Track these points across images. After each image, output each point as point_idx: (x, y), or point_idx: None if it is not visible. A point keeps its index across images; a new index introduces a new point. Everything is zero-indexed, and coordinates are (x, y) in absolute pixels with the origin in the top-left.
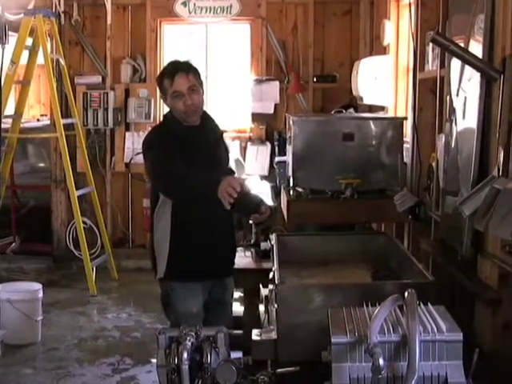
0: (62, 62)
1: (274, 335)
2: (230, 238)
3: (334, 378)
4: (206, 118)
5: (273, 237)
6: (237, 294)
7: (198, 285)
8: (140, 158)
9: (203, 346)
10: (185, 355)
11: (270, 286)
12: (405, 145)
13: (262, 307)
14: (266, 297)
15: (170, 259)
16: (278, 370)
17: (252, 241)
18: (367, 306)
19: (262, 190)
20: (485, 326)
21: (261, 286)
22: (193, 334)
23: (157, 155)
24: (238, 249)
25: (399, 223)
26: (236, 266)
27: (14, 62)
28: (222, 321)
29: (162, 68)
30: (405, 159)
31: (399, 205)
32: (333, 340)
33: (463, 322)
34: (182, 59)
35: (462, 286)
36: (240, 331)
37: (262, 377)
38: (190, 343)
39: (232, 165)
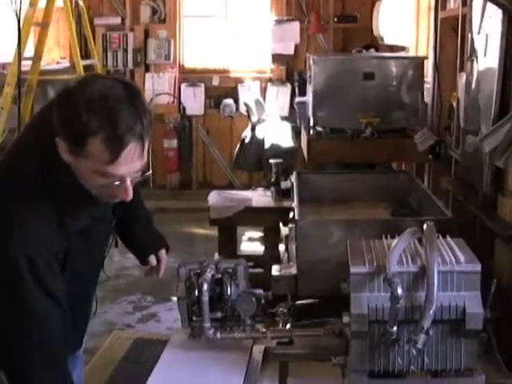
0: (80, 3)
1: (293, 270)
2: None
3: (353, 308)
4: None
5: (293, 175)
6: (257, 234)
7: None
8: (160, 99)
9: (223, 279)
10: (205, 287)
11: (290, 225)
12: (425, 84)
13: (281, 246)
14: (286, 236)
15: None
16: (297, 302)
17: (272, 180)
18: (386, 238)
19: (282, 131)
20: (504, 264)
21: (281, 224)
22: (213, 266)
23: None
24: (259, 188)
25: (419, 163)
26: (256, 205)
27: (33, 4)
28: None
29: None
30: (425, 98)
31: (419, 144)
32: (352, 270)
33: (483, 259)
34: (120, 90)
35: (482, 224)
36: (260, 269)
37: (281, 309)
38: (210, 275)
39: (252, 105)
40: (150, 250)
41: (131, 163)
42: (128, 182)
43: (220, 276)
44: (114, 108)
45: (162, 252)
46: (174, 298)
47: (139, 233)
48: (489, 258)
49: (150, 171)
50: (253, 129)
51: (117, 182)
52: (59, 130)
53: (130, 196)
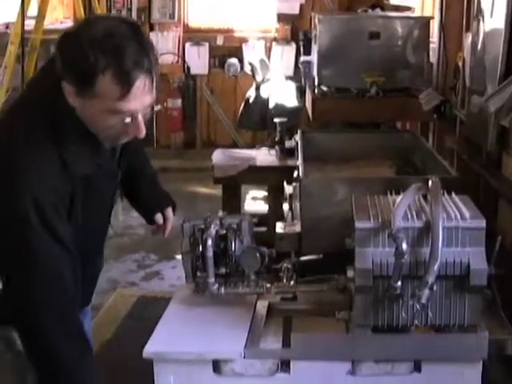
0: None
1: (297, 228)
2: None
3: (358, 263)
4: None
5: (297, 134)
6: (261, 193)
7: None
8: (164, 58)
9: (227, 234)
10: (209, 242)
11: (294, 183)
12: (431, 44)
13: (285, 205)
14: (290, 195)
15: None
16: (302, 258)
17: (276, 139)
18: (391, 194)
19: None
20: (508, 223)
21: (285, 183)
22: (217, 222)
23: (36, 252)
24: (263, 147)
25: (424, 122)
26: (260, 164)
27: None
28: None
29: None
30: (431, 58)
31: (424, 103)
32: (356, 225)
33: (487, 219)
34: (124, 26)
35: (486, 183)
36: (264, 228)
37: (285, 265)
38: (214, 231)
39: (256, 65)
40: (156, 209)
41: (142, 97)
42: (140, 117)
43: (224, 232)
44: (120, 45)
45: (169, 210)
46: (178, 256)
47: (145, 191)
48: (493, 217)
49: (159, 106)
50: (257, 88)
51: (128, 119)
52: (65, 74)
53: (143, 132)
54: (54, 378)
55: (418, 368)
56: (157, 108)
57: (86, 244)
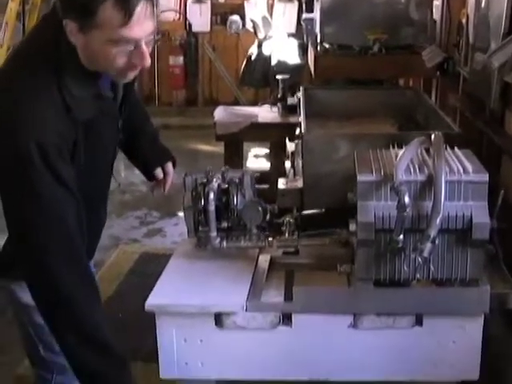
0: None
1: (299, 184)
2: None
3: (360, 216)
4: None
5: (300, 91)
6: (263, 151)
7: None
8: (166, 16)
9: (229, 188)
10: (211, 196)
11: (297, 140)
12: (434, 1)
13: (288, 163)
14: (293, 152)
15: None
16: (304, 212)
17: (279, 96)
18: (394, 148)
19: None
20: (511, 179)
21: (287, 140)
22: (219, 176)
23: (40, 202)
24: (265, 105)
25: (427, 80)
26: (262, 121)
27: None
28: None
29: None
30: (434, 15)
31: (427, 60)
32: (359, 178)
33: (490, 174)
34: None
35: (489, 140)
36: (266, 185)
37: (287, 219)
38: (216, 185)
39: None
40: (156, 164)
41: (144, 23)
42: (143, 45)
43: (226, 186)
44: None
45: (169, 165)
46: (180, 214)
47: (145, 147)
48: (495, 173)
49: (160, 35)
50: (259, 45)
51: (132, 48)
52: (66, 11)
53: (148, 60)
54: (63, 321)
55: (419, 322)
56: (158, 37)
57: (89, 192)
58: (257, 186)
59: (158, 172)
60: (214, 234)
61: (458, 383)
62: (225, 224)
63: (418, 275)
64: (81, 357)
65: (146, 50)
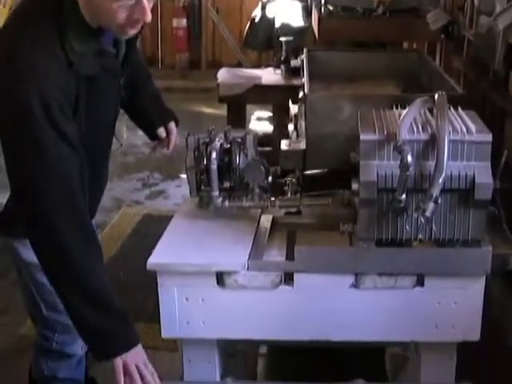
0: None
1: (302, 145)
2: None
3: (362, 175)
4: None
5: (303, 53)
6: (266, 114)
7: None
8: None
9: (232, 148)
10: (213, 155)
11: (300, 102)
12: None
13: (290, 126)
14: (296, 115)
15: None
16: (306, 172)
17: (282, 58)
18: (397, 109)
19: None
20: None
21: (290, 102)
22: (222, 135)
23: (40, 158)
24: (269, 67)
25: (431, 43)
26: (265, 83)
27: None
28: None
29: None
30: None
31: (432, 23)
32: (361, 137)
33: (493, 136)
34: None
35: (492, 103)
36: (269, 148)
37: (289, 179)
38: (218, 144)
39: None
40: (159, 123)
41: None
42: (144, 0)
43: (229, 145)
44: None
45: (172, 124)
46: (183, 176)
47: (148, 106)
48: (499, 136)
49: None
50: (263, 8)
51: (133, 2)
52: None
53: (149, 15)
54: (65, 278)
55: (420, 282)
56: None
57: (91, 150)
58: (260, 148)
59: (161, 131)
60: (216, 193)
61: (459, 344)
62: (227, 184)
63: (420, 235)
64: (83, 314)
65: (147, 4)
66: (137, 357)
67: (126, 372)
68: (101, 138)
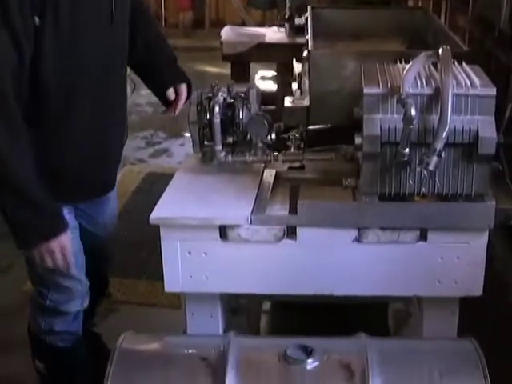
0: None
1: (306, 102)
2: None
3: (365, 129)
4: None
5: (307, 11)
6: (269, 73)
7: None
8: None
9: (235, 102)
10: (216, 109)
11: (304, 60)
12: None
13: (294, 85)
14: (299, 74)
15: None
16: (310, 127)
17: (286, 16)
18: (401, 63)
19: None
20: None
21: (294, 60)
22: (225, 90)
23: None
24: (273, 26)
25: (436, 1)
26: (269, 41)
27: None
28: None
29: None
30: None
31: None
32: (365, 91)
33: (497, 93)
34: None
35: (497, 60)
36: (273, 106)
37: (293, 134)
38: (221, 98)
39: None
40: (169, 83)
41: None
42: None
43: (232, 100)
44: None
45: (182, 86)
46: (186, 134)
47: (162, 67)
48: (503, 93)
49: None
50: None
51: None
52: None
53: None
54: None
55: (423, 237)
56: None
57: (85, 61)
58: (263, 107)
59: (170, 92)
60: (219, 147)
61: (461, 299)
62: (230, 139)
63: (423, 189)
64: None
65: None
66: (54, 244)
67: (43, 260)
68: (97, 51)
